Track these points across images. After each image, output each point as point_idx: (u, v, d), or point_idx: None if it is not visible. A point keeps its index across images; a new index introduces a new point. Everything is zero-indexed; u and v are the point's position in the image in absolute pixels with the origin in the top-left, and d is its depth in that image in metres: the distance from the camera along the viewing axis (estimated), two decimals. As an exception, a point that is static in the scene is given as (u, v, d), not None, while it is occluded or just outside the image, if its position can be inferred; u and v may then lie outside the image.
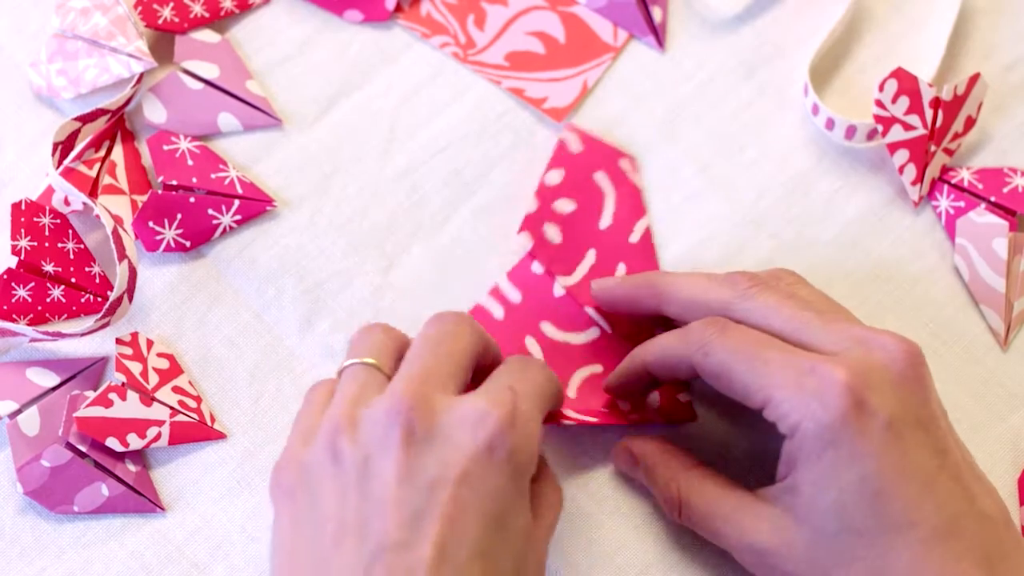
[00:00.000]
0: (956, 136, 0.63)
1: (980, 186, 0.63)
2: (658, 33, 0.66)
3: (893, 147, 0.62)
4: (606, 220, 0.62)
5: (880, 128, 0.62)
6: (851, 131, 0.63)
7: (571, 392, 0.60)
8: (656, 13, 0.66)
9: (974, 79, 0.62)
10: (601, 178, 0.62)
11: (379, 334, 0.54)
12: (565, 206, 0.62)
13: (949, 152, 0.63)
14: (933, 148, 0.62)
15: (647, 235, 0.62)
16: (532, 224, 0.62)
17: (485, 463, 0.48)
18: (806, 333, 0.52)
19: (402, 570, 0.46)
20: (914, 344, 0.51)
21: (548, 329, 0.61)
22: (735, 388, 0.52)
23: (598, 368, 0.60)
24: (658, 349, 0.55)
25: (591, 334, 0.61)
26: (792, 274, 0.56)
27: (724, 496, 0.53)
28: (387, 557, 0.46)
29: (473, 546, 0.47)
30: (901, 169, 0.62)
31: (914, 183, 0.63)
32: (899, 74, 0.61)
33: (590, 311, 0.61)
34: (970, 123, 0.63)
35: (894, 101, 0.61)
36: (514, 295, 0.61)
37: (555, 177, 0.62)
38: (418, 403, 0.48)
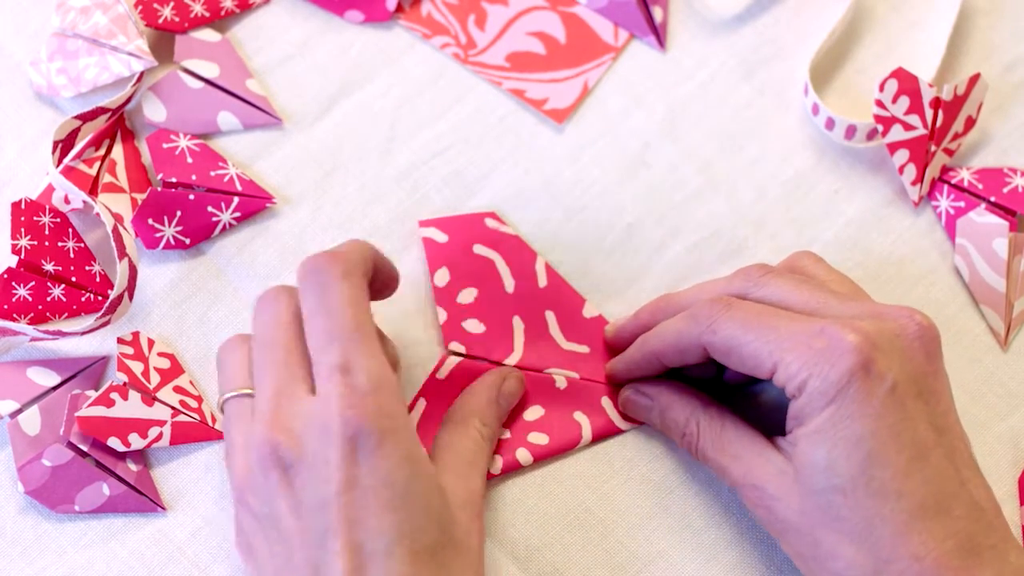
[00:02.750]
0: (956, 136, 0.63)
1: (980, 186, 0.63)
2: (659, 33, 0.66)
3: (893, 147, 0.62)
4: (510, 283, 0.61)
5: (880, 128, 0.62)
6: (851, 131, 0.63)
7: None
8: (657, 13, 0.66)
9: (974, 79, 0.62)
10: (480, 249, 0.61)
11: (240, 350, 0.54)
12: (468, 296, 0.61)
13: (949, 152, 0.63)
14: (933, 148, 0.62)
15: (551, 273, 0.62)
16: (452, 330, 0.60)
17: (358, 460, 0.48)
18: (820, 309, 0.52)
19: None
20: (929, 319, 0.52)
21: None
22: (745, 360, 0.52)
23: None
24: (667, 334, 0.56)
25: (561, 383, 0.60)
26: (811, 255, 0.57)
27: (738, 436, 0.54)
28: None
29: (389, 533, 0.47)
30: (901, 169, 0.63)
31: (914, 183, 0.63)
32: (899, 74, 0.61)
33: (551, 371, 0.60)
34: (970, 123, 0.63)
35: (894, 101, 0.61)
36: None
37: (443, 277, 0.61)
38: (277, 434, 0.49)
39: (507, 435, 0.59)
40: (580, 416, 0.60)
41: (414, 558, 0.47)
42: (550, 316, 0.61)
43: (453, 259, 0.61)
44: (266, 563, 0.50)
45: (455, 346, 0.59)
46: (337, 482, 0.47)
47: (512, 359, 0.60)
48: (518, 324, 0.60)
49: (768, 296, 0.54)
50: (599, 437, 0.60)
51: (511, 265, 0.61)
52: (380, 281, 0.55)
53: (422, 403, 0.59)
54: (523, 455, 0.59)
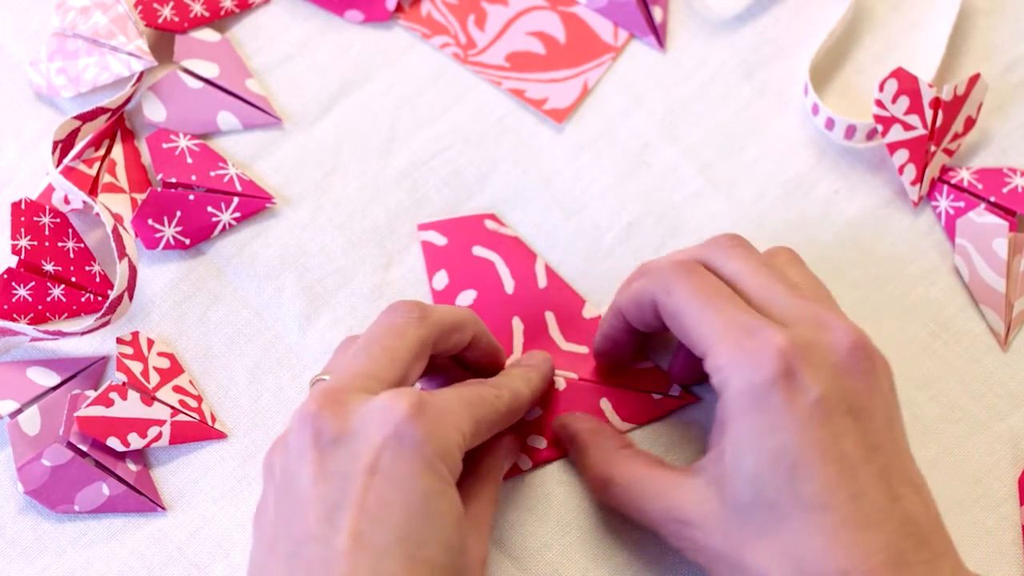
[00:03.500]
0: (956, 136, 0.63)
1: (980, 186, 0.63)
2: (658, 33, 0.67)
3: (893, 147, 0.62)
4: (509, 284, 0.61)
5: (880, 128, 0.62)
6: (851, 131, 0.63)
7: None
8: (656, 13, 0.66)
9: (974, 79, 0.62)
10: (480, 250, 0.61)
11: (347, 349, 0.55)
12: (467, 299, 0.61)
13: (949, 152, 0.63)
14: (933, 148, 0.62)
15: (551, 273, 0.62)
16: None
17: (395, 451, 0.47)
18: (769, 301, 0.51)
19: (319, 562, 0.46)
20: (864, 336, 0.50)
21: None
22: (686, 333, 0.52)
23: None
24: (631, 290, 0.55)
25: (560, 384, 0.60)
26: (789, 251, 0.56)
27: (652, 474, 0.53)
28: (305, 552, 0.47)
29: (392, 531, 0.46)
30: (901, 169, 0.63)
31: (914, 183, 0.63)
32: (899, 74, 0.61)
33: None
34: (970, 123, 0.63)
35: (894, 101, 0.61)
36: None
37: (441, 280, 0.61)
38: (328, 405, 0.49)
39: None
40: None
41: (410, 565, 0.46)
42: (549, 317, 0.61)
43: (452, 262, 0.61)
44: (267, 527, 0.49)
45: None
46: (365, 460, 0.47)
47: (511, 361, 0.60)
48: (517, 325, 0.60)
49: (727, 272, 0.53)
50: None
51: (510, 266, 0.61)
52: (476, 354, 0.56)
53: None
54: (522, 460, 0.59)
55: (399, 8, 0.67)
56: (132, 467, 0.58)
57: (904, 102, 0.61)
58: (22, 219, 0.60)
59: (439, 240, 0.62)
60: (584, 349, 0.60)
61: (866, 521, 0.47)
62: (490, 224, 0.62)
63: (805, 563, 0.47)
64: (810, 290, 0.53)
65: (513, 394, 0.55)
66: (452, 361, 0.58)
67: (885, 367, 0.51)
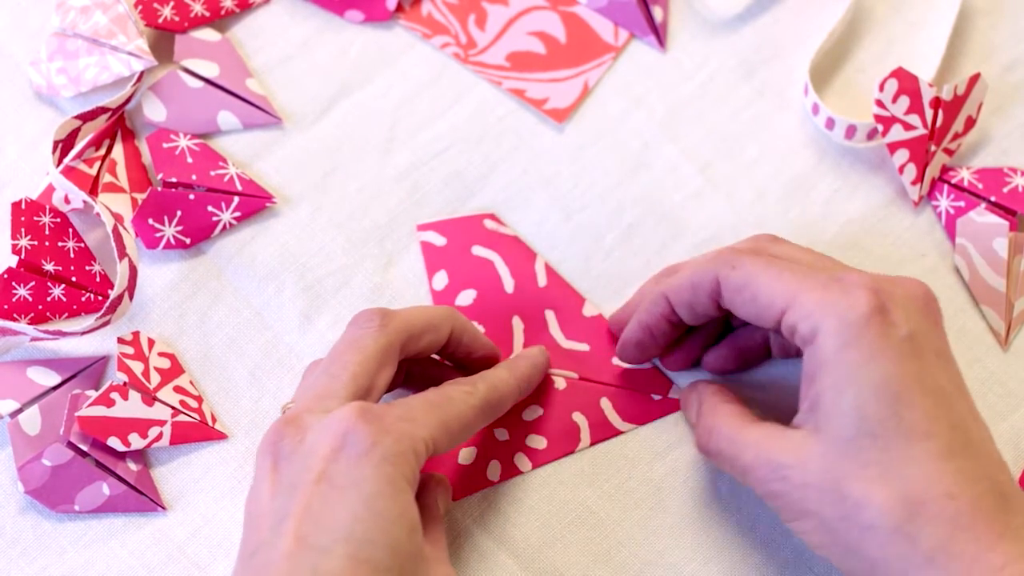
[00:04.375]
0: (956, 136, 0.63)
1: (980, 186, 0.63)
2: (659, 33, 0.67)
3: (893, 147, 0.62)
4: (509, 283, 0.61)
5: (880, 128, 0.62)
6: (851, 131, 0.63)
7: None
8: (657, 13, 0.66)
9: (974, 79, 0.62)
10: (479, 250, 0.61)
11: (312, 371, 0.55)
12: (467, 298, 0.61)
13: (949, 152, 0.63)
14: (933, 148, 0.62)
15: (551, 272, 0.62)
16: None
17: (342, 460, 0.48)
18: (832, 269, 0.53)
19: (261, 565, 0.47)
20: (929, 288, 0.52)
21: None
22: (758, 298, 0.52)
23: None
24: (683, 271, 0.56)
25: (560, 383, 0.60)
26: (770, 236, 0.57)
27: (752, 424, 0.54)
28: (251, 560, 0.48)
29: (337, 532, 0.47)
30: (901, 169, 0.63)
31: (914, 183, 0.63)
32: (899, 74, 0.61)
33: (551, 371, 0.60)
34: (970, 123, 0.63)
35: (894, 101, 0.61)
36: None
37: (441, 280, 0.61)
38: (286, 429, 0.50)
39: (505, 436, 0.59)
40: (579, 417, 0.60)
41: (353, 564, 0.46)
42: (550, 315, 0.61)
43: (451, 262, 0.61)
44: (240, 546, 0.50)
45: None
46: (315, 472, 0.48)
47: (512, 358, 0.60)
48: (517, 324, 0.60)
49: (781, 253, 0.54)
50: (598, 439, 0.59)
51: (510, 265, 0.61)
52: (461, 351, 0.57)
53: None
54: (521, 461, 0.59)
55: (399, 8, 0.67)
56: (132, 467, 0.58)
57: (904, 102, 0.61)
58: (22, 219, 0.60)
59: (438, 240, 0.62)
60: (585, 347, 0.60)
61: (967, 450, 0.49)
62: (489, 224, 0.62)
63: (911, 488, 0.48)
64: (821, 261, 0.55)
65: (490, 386, 0.55)
66: (446, 364, 0.58)
67: (943, 319, 0.53)
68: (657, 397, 0.60)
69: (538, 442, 0.59)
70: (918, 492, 0.48)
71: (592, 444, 0.59)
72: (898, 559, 0.48)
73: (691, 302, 0.55)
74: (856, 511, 0.49)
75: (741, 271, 0.53)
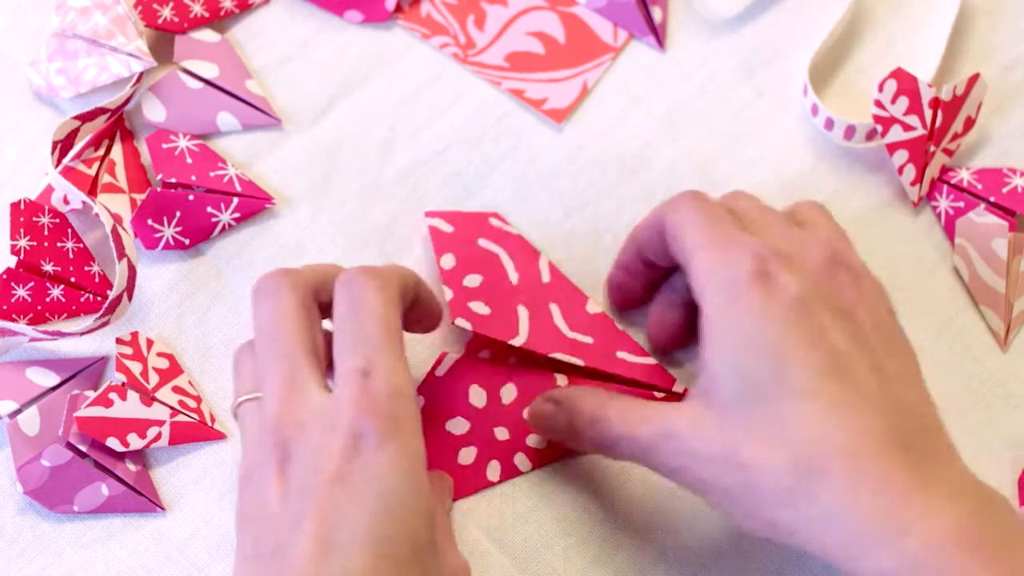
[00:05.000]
0: (955, 136, 0.63)
1: (979, 186, 0.63)
2: (658, 33, 0.66)
3: (892, 147, 0.62)
4: (513, 276, 0.61)
5: (879, 128, 0.62)
6: (850, 131, 0.63)
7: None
8: (656, 13, 0.66)
9: (973, 79, 0.62)
10: (485, 243, 0.61)
11: (247, 358, 0.54)
12: (474, 281, 0.60)
13: (948, 152, 0.63)
14: (932, 148, 0.62)
15: (554, 270, 0.62)
16: (459, 307, 0.59)
17: (355, 458, 0.47)
18: (764, 227, 0.53)
19: (282, 568, 0.47)
20: (845, 253, 0.53)
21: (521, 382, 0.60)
22: (680, 244, 0.53)
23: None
24: (647, 216, 0.57)
25: (561, 380, 0.60)
26: (742, 192, 0.58)
27: (644, 404, 0.53)
28: (270, 561, 0.47)
29: (358, 531, 0.46)
30: (900, 169, 0.63)
31: (913, 183, 0.63)
32: (898, 74, 0.61)
33: (556, 355, 0.59)
34: (969, 123, 0.63)
35: (893, 101, 0.61)
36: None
37: (449, 261, 0.60)
38: (286, 430, 0.49)
39: (506, 436, 0.59)
40: None
41: (377, 561, 0.46)
42: (554, 308, 0.61)
43: (459, 248, 0.61)
44: (243, 550, 0.49)
45: (461, 322, 0.59)
46: (328, 472, 0.47)
47: (518, 340, 0.59)
48: (523, 311, 0.60)
49: (735, 206, 0.55)
50: None
51: (515, 261, 0.61)
52: (420, 312, 0.55)
53: (419, 401, 0.59)
54: (521, 461, 0.59)
55: (398, 8, 0.67)
56: (131, 467, 0.58)
57: (903, 102, 0.61)
58: (21, 219, 0.60)
59: (445, 227, 0.62)
60: (589, 339, 0.60)
61: (861, 405, 0.47)
62: (494, 222, 0.62)
63: (802, 449, 0.47)
64: (823, 229, 0.54)
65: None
66: None
67: (874, 286, 0.52)
68: (660, 394, 0.60)
69: (538, 442, 0.59)
70: (809, 451, 0.47)
71: None
72: (802, 520, 0.47)
73: (651, 239, 0.56)
74: (754, 478, 0.48)
75: (677, 215, 0.54)
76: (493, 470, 0.59)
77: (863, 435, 0.47)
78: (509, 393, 0.59)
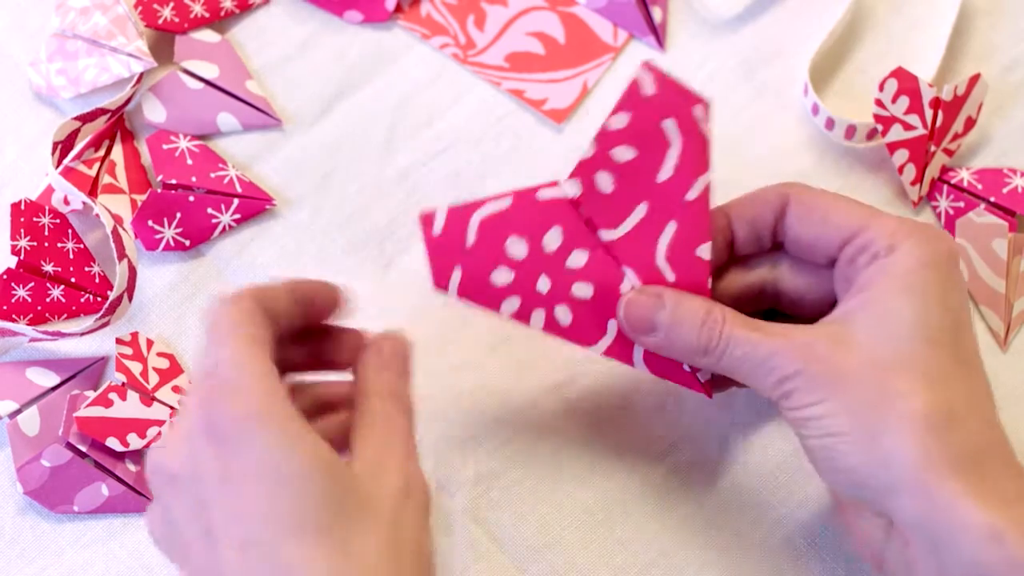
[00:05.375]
0: (956, 136, 0.63)
1: (980, 186, 0.63)
2: (658, 33, 0.66)
3: (893, 147, 0.62)
4: (665, 172, 0.53)
5: (880, 128, 0.62)
6: (851, 131, 0.63)
7: (610, 337, 0.55)
8: (656, 13, 0.66)
9: (974, 79, 0.62)
10: (670, 126, 0.53)
11: None
12: (624, 154, 0.53)
13: (949, 152, 0.63)
14: (933, 148, 0.62)
15: (705, 192, 0.53)
16: (585, 170, 0.54)
17: (220, 455, 0.46)
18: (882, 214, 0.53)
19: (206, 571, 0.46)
20: None
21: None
22: (831, 218, 0.52)
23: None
24: (749, 193, 0.55)
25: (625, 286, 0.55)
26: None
27: (764, 321, 0.52)
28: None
29: (265, 521, 0.45)
30: (901, 169, 0.63)
31: (914, 183, 0.63)
32: (899, 74, 0.61)
33: (626, 270, 0.55)
34: (970, 123, 0.63)
35: (894, 101, 0.61)
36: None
37: (619, 121, 0.53)
38: (157, 455, 0.48)
39: (547, 286, 0.55)
40: (611, 324, 0.55)
41: (298, 541, 0.44)
42: (671, 227, 0.54)
43: (640, 115, 0.53)
44: None
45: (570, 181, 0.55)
46: (210, 480, 0.46)
47: (611, 235, 0.54)
48: (640, 211, 0.54)
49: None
50: (612, 355, 0.55)
51: (681, 161, 0.53)
52: (316, 307, 0.52)
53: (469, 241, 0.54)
54: (537, 318, 0.55)
55: (398, 8, 0.67)
56: (131, 467, 0.59)
57: (904, 102, 0.61)
58: (22, 220, 0.61)
59: (649, 88, 0.52)
60: (672, 276, 0.54)
61: (991, 398, 0.51)
62: (697, 111, 0.52)
63: (956, 400, 0.48)
64: None
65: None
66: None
67: None
68: (689, 371, 0.55)
69: (565, 316, 0.55)
70: (962, 406, 0.48)
71: (604, 355, 0.55)
72: (926, 459, 0.47)
73: (753, 217, 0.54)
74: (895, 401, 0.48)
75: (814, 192, 0.53)
76: (537, 319, 0.55)
77: (994, 425, 0.50)
78: (553, 240, 0.55)
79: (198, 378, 0.48)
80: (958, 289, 0.50)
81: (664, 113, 0.52)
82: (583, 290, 0.55)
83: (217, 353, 0.47)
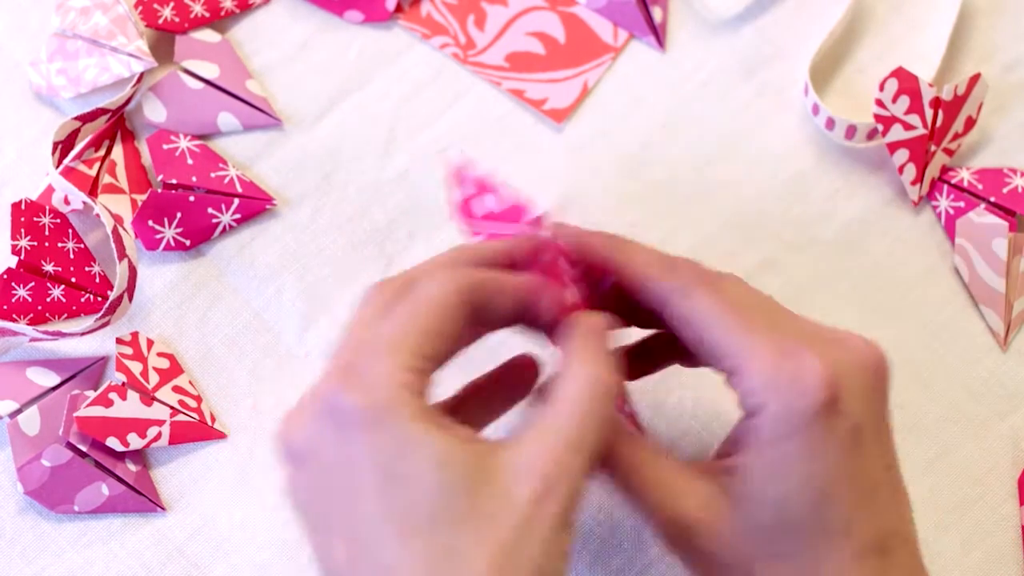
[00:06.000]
0: (956, 136, 0.63)
1: (980, 186, 0.63)
2: (658, 33, 0.66)
3: (893, 147, 0.62)
4: None
5: (880, 127, 0.62)
6: (851, 131, 0.63)
7: None
8: (656, 13, 0.66)
9: (974, 79, 0.62)
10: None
11: None
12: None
13: (949, 152, 0.63)
14: (933, 148, 0.62)
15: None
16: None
17: (343, 442, 0.45)
18: (782, 322, 0.48)
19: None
20: (882, 351, 0.48)
21: None
22: (704, 343, 0.48)
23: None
24: (639, 257, 0.50)
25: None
26: (735, 277, 0.51)
27: (656, 460, 0.49)
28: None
29: (376, 516, 0.44)
30: (901, 169, 0.62)
31: (914, 183, 0.63)
32: (899, 73, 0.61)
33: None
34: (970, 123, 0.63)
35: (894, 100, 0.61)
36: None
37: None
38: (283, 431, 0.47)
39: None
40: None
41: (403, 541, 0.43)
42: None
43: None
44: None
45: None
46: (329, 465, 0.45)
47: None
48: None
49: (736, 297, 0.49)
50: None
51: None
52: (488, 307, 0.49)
53: None
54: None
55: (399, 8, 0.67)
56: (132, 467, 0.59)
57: (904, 102, 0.61)
58: (22, 219, 0.61)
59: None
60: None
61: (882, 547, 0.47)
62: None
63: None
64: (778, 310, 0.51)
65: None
66: None
67: (890, 375, 0.49)
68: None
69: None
70: None
71: None
72: None
73: (632, 287, 0.50)
74: None
75: (691, 304, 0.48)
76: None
77: None
78: None
79: (342, 350, 0.46)
80: (834, 441, 0.46)
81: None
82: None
83: (378, 329, 0.46)
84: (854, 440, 0.47)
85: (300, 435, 0.46)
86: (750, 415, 0.47)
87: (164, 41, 0.66)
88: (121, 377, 0.59)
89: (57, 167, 0.62)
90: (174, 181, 0.62)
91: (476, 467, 0.44)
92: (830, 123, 0.64)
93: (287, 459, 0.47)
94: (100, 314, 0.58)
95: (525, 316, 0.49)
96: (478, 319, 0.48)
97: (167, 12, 0.66)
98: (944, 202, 0.63)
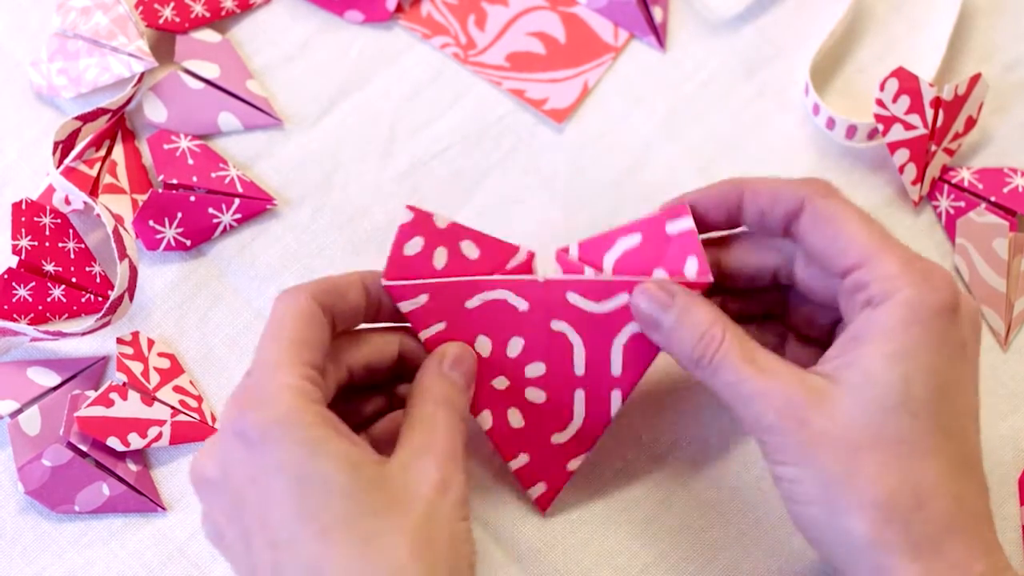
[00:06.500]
0: (956, 136, 0.63)
1: (980, 186, 0.63)
2: (659, 33, 0.66)
3: (893, 146, 0.62)
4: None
5: (881, 127, 0.62)
6: (852, 131, 0.63)
7: (617, 362, 0.55)
8: (657, 13, 0.66)
9: (975, 79, 0.62)
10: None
11: None
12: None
13: (949, 152, 0.63)
14: (933, 148, 0.62)
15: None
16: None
17: (248, 456, 0.48)
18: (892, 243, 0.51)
19: None
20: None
21: (576, 300, 0.54)
22: (840, 239, 0.50)
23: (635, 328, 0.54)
24: (769, 180, 0.53)
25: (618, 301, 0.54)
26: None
27: (759, 349, 0.51)
28: None
29: (292, 520, 0.46)
30: (901, 169, 0.62)
31: (914, 183, 0.63)
32: (900, 73, 0.61)
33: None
34: (971, 123, 0.63)
35: (895, 100, 0.61)
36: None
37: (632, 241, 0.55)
38: (197, 460, 0.51)
39: (504, 385, 0.56)
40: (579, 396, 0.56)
41: (323, 536, 0.46)
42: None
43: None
44: None
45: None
46: (241, 483, 0.48)
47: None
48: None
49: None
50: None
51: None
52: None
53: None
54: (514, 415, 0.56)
55: (399, 8, 0.67)
56: (132, 467, 0.59)
57: (905, 102, 0.61)
58: (23, 219, 0.61)
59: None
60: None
61: (975, 463, 0.49)
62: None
63: (925, 481, 0.47)
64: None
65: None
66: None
67: None
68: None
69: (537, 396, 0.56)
70: (929, 487, 0.47)
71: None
72: (884, 542, 0.47)
73: (765, 210, 0.53)
74: (861, 483, 0.47)
75: (832, 204, 0.51)
76: (485, 419, 0.56)
77: (973, 494, 0.49)
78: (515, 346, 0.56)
79: (242, 378, 0.50)
80: (952, 344, 0.49)
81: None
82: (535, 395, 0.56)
83: (258, 354, 0.50)
84: (963, 355, 0.49)
85: (210, 464, 0.49)
86: (879, 302, 0.49)
87: (165, 41, 0.66)
88: (122, 377, 0.59)
89: (58, 167, 0.62)
90: (175, 181, 0.62)
91: (379, 470, 0.48)
92: (831, 123, 0.64)
93: (201, 492, 0.50)
94: (101, 314, 0.58)
95: (380, 305, 0.54)
96: (340, 318, 0.53)
97: (167, 12, 0.66)
98: (944, 202, 0.63)
